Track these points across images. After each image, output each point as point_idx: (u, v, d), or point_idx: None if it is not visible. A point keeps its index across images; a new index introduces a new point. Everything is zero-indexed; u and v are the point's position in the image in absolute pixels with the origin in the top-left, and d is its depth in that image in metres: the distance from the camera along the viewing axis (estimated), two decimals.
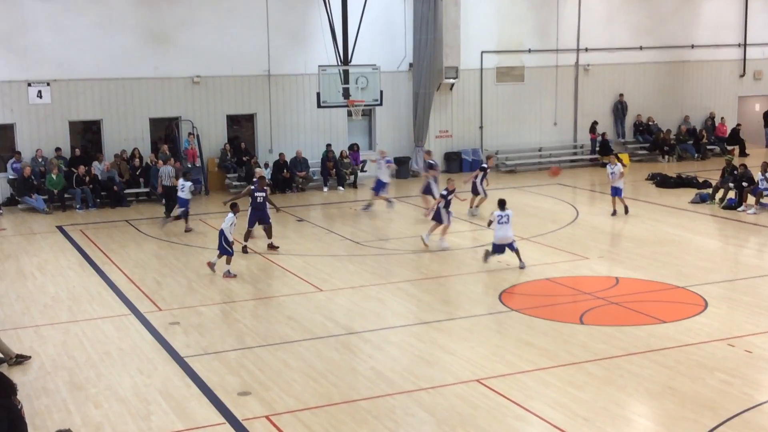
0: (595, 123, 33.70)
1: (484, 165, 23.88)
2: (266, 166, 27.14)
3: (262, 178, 20.78)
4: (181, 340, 13.77)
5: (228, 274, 17.42)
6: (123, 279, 17.60)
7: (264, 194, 19.91)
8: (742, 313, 14.89)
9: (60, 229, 22.79)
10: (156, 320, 14.80)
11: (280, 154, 27.83)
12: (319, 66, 26.66)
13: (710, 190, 25.26)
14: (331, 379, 12.00)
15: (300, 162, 28.07)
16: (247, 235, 19.46)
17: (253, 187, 20.06)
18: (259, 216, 19.69)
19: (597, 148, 33.37)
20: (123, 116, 27.43)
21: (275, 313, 15.24)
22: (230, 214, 17.64)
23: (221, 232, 17.41)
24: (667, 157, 33.80)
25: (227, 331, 14.19)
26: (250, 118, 29.53)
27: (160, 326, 14.47)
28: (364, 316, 15.07)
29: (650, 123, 35.02)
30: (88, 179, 25.61)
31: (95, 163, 26.39)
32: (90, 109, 27.11)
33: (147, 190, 26.68)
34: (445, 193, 20.04)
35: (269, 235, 19.95)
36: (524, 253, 19.28)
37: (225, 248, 17.41)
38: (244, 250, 19.07)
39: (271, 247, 19.79)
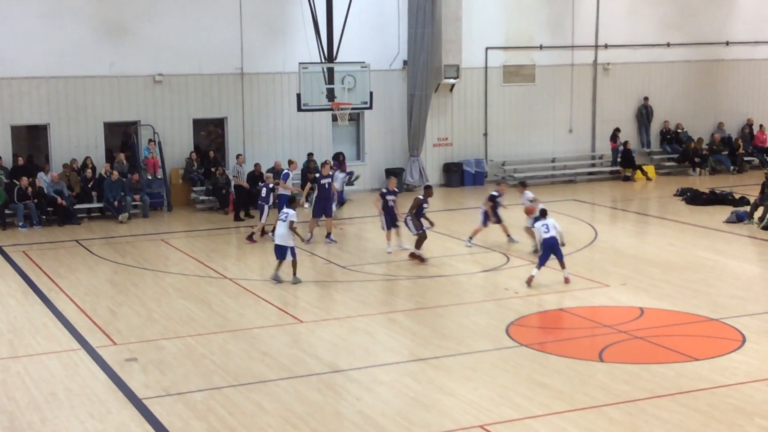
0: (616, 130, 33.84)
1: (494, 193, 22.42)
2: (235, 178, 27.21)
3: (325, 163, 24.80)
4: (138, 379, 13.70)
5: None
6: (72, 308, 17.52)
7: (329, 180, 23.18)
8: None
9: None
10: (110, 356, 14.72)
11: (256, 165, 27.84)
12: (299, 63, 26.75)
13: (748, 208, 25.36)
14: (313, 425, 11.97)
15: (278, 174, 28.04)
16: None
17: (317, 175, 23.38)
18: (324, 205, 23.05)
19: (618, 159, 33.52)
20: (74, 120, 27.42)
21: (248, 347, 15.20)
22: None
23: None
24: (698, 169, 33.95)
25: (192, 369, 14.13)
26: (220, 123, 29.57)
27: (114, 363, 14.38)
28: (350, 351, 15.04)
29: (679, 131, 35.19)
30: (32, 192, 25.56)
31: (41, 174, 26.36)
32: (36, 111, 27.10)
33: (100, 205, 26.64)
34: (384, 191, 21.29)
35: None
36: (536, 279, 19.33)
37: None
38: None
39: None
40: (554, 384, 13.26)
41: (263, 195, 23.15)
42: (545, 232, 18.64)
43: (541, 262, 18.65)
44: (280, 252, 18.91)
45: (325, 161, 25.86)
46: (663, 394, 12.84)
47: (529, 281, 18.59)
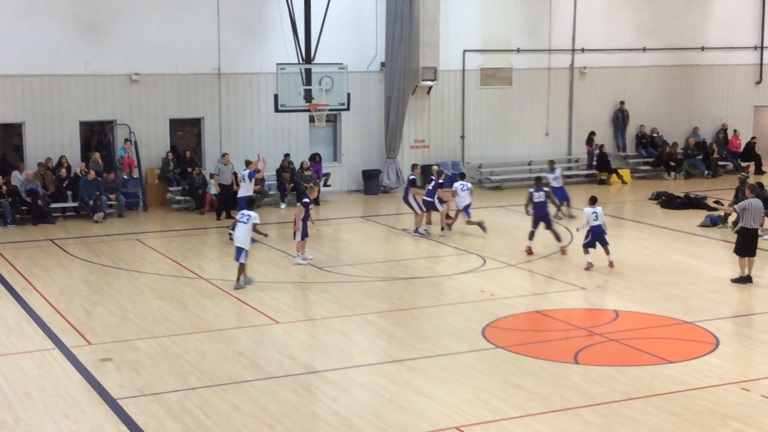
0: (592, 134, 34.01)
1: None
2: (212, 177, 27.10)
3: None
4: (113, 379, 13.65)
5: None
6: (46, 307, 17.42)
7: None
8: (758, 353, 15.05)
9: None
10: (84, 356, 14.66)
11: (231, 165, 27.77)
12: (277, 64, 26.72)
13: (722, 213, 25.53)
14: (288, 426, 11.96)
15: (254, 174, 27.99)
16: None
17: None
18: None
19: (594, 162, 33.68)
20: (49, 119, 27.26)
21: (224, 348, 15.17)
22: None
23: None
24: (673, 173, 34.17)
25: (168, 369, 14.10)
26: (196, 123, 29.48)
27: (89, 363, 14.32)
28: (326, 352, 15.04)
29: (654, 135, 35.41)
30: (6, 191, 25.38)
31: (15, 173, 26.18)
32: (10, 110, 26.92)
33: (75, 204, 26.50)
34: (307, 201, 20.98)
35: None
36: (511, 281, 19.39)
37: None
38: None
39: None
40: (529, 386, 13.31)
41: (430, 189, 23.94)
42: (594, 220, 19.98)
43: (589, 246, 20.16)
44: (239, 252, 18.66)
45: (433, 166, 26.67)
46: (637, 396, 12.92)
47: (588, 267, 20.04)
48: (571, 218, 25.60)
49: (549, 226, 21.84)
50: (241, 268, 18.70)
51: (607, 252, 20.23)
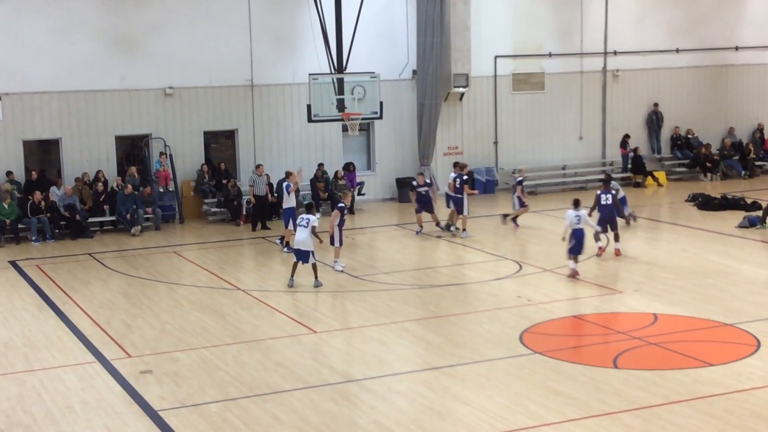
0: (626, 137, 33.82)
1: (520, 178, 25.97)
2: (249, 202, 27.18)
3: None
4: (154, 391, 13.74)
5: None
6: (86, 321, 17.58)
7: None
8: None
9: (13, 264, 22.82)
10: (125, 368, 14.77)
11: (266, 176, 27.90)
12: (309, 74, 26.85)
13: (760, 213, 25.31)
14: None
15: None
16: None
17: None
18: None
19: (629, 166, 33.48)
20: (85, 134, 27.54)
21: (262, 358, 15.23)
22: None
23: None
24: (709, 175, 33.90)
25: (207, 381, 14.17)
26: (230, 135, 29.66)
27: (129, 375, 14.43)
28: (364, 361, 15.06)
29: (690, 136, 35.15)
30: (45, 207, 25.67)
31: (53, 189, 26.46)
32: (47, 126, 27.23)
33: (113, 218, 26.74)
34: (342, 206, 21.05)
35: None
36: (548, 286, 19.31)
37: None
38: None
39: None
40: (569, 391, 13.25)
41: (458, 186, 24.28)
42: (576, 223, 19.56)
43: (577, 252, 19.69)
44: (303, 256, 19.43)
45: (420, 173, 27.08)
46: (678, 399, 12.82)
47: (573, 275, 19.60)
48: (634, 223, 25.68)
49: (614, 228, 21.84)
50: (315, 268, 19.53)
51: (576, 260, 19.81)
